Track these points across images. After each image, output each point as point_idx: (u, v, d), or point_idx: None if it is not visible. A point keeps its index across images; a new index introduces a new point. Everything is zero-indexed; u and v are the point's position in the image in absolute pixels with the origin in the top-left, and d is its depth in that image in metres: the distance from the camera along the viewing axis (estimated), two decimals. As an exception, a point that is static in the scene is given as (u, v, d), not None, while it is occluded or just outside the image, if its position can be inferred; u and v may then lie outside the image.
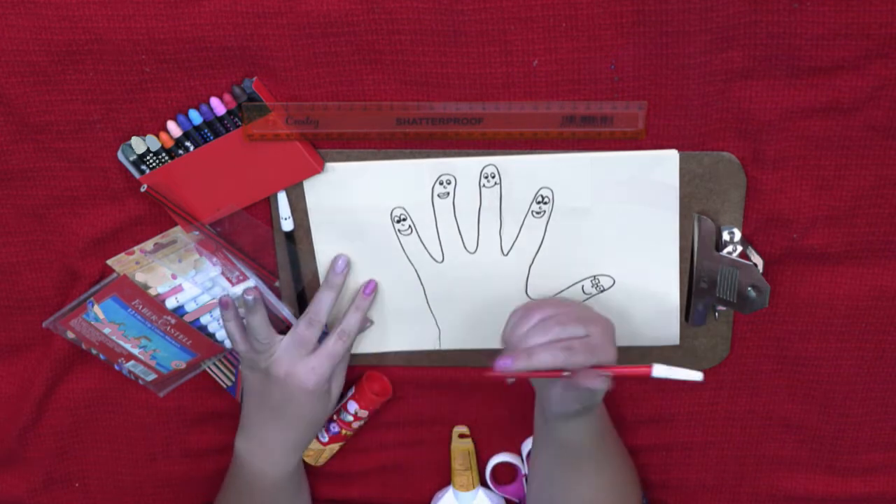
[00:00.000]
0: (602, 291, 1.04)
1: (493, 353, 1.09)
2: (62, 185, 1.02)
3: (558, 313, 0.92)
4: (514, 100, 0.95)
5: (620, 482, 1.05)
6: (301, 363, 1.02)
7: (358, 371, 1.12)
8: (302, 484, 1.12)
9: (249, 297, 1.00)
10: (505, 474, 1.19)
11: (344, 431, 1.13)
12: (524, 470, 1.15)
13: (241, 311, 1.03)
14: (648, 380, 1.09)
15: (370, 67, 0.95)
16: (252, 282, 1.04)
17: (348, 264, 1.04)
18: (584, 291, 1.04)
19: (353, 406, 1.11)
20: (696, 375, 0.88)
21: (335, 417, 1.12)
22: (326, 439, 1.14)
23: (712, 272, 1.01)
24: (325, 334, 1.05)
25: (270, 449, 1.06)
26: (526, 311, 0.94)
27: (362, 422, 1.13)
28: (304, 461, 1.15)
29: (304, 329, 1.02)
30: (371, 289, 1.04)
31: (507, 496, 1.18)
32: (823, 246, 1.00)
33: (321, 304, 1.03)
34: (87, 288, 1.06)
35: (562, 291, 1.05)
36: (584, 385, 0.89)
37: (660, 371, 0.89)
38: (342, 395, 1.12)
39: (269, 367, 1.02)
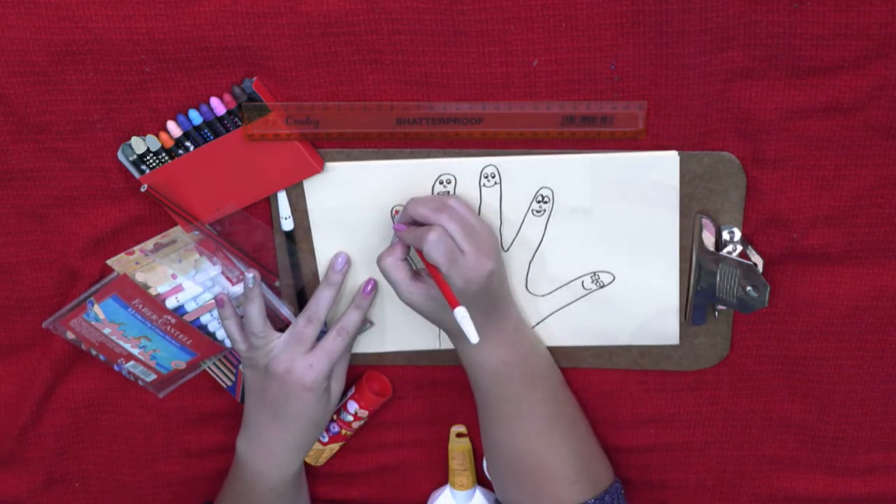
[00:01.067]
0: (602, 287, 1.04)
1: (493, 353, 1.10)
2: (62, 185, 1.02)
3: (462, 213, 0.96)
4: (514, 100, 0.95)
5: (557, 421, 1.04)
6: (299, 360, 1.02)
7: (358, 371, 1.12)
8: (302, 488, 1.12)
9: (250, 276, 1.00)
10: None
11: (344, 431, 1.13)
12: (524, 470, 1.15)
13: (239, 309, 1.03)
14: (645, 379, 1.10)
15: (370, 67, 0.95)
16: (240, 290, 1.04)
17: (348, 262, 1.04)
18: (584, 287, 1.04)
19: (353, 406, 1.11)
20: (473, 337, 0.93)
21: (335, 417, 1.12)
22: (326, 439, 1.14)
23: (712, 272, 1.01)
24: (325, 333, 1.05)
25: (271, 450, 1.05)
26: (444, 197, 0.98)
27: (362, 422, 1.13)
28: (306, 462, 1.15)
29: (302, 326, 1.02)
30: (371, 287, 1.04)
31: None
32: (823, 246, 1.00)
33: (320, 302, 1.03)
34: (87, 288, 1.06)
35: (562, 286, 1.05)
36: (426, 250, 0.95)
37: (459, 313, 0.93)
38: (342, 395, 1.12)
39: (269, 365, 1.02)
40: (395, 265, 0.99)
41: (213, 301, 1.05)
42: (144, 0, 0.92)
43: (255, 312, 1.01)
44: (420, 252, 0.96)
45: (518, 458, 1.04)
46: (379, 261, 0.99)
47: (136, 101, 0.97)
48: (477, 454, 1.16)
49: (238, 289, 1.04)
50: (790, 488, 1.13)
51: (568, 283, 1.05)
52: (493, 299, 0.98)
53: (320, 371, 1.02)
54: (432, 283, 0.98)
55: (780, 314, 1.04)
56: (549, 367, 1.06)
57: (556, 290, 1.05)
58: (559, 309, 1.06)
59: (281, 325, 1.06)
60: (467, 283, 0.95)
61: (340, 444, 1.15)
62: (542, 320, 1.07)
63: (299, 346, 1.02)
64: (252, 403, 1.06)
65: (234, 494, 1.09)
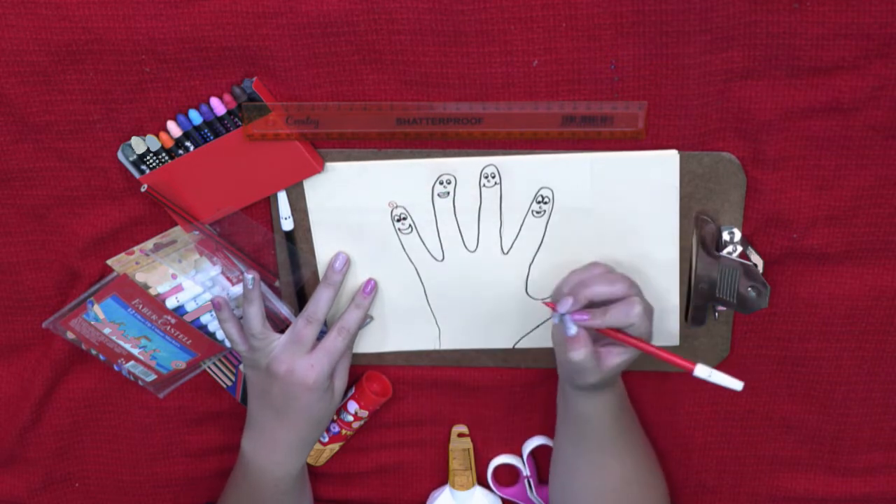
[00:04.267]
0: (602, 291, 1.04)
1: (493, 353, 1.10)
2: (62, 185, 1.02)
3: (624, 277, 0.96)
4: (514, 100, 0.95)
5: (643, 475, 1.05)
6: (300, 360, 1.02)
7: (358, 371, 1.12)
8: (305, 486, 1.12)
9: (249, 277, 1.00)
10: (506, 476, 1.19)
11: (344, 431, 1.13)
12: (525, 472, 1.15)
13: (238, 310, 1.03)
14: (645, 380, 1.10)
15: (370, 67, 0.95)
16: (240, 290, 1.04)
17: (347, 262, 1.03)
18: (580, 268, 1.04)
19: (353, 406, 1.11)
20: (736, 384, 0.91)
21: (335, 417, 1.12)
22: (327, 439, 1.14)
23: (712, 272, 1.01)
24: (325, 334, 1.05)
25: (275, 448, 1.05)
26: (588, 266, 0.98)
27: (362, 422, 1.13)
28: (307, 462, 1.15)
29: (302, 326, 1.02)
30: (371, 288, 1.04)
31: (509, 497, 1.18)
32: (823, 246, 1.00)
33: (319, 302, 1.03)
34: (87, 288, 1.06)
35: (562, 291, 1.05)
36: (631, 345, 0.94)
37: (701, 371, 0.92)
38: (343, 395, 1.12)
39: (270, 365, 1.02)
40: (588, 353, 0.95)
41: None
42: (144, 0, 0.92)
43: (254, 314, 1.01)
44: (610, 330, 0.94)
45: (625, 487, 1.04)
46: (572, 355, 0.94)
47: (136, 101, 0.97)
48: (477, 454, 1.16)
49: (238, 289, 1.04)
50: (790, 488, 1.13)
51: (568, 285, 1.05)
52: None
53: (322, 371, 1.02)
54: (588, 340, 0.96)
55: (780, 314, 1.04)
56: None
57: (556, 291, 1.05)
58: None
59: (281, 325, 1.06)
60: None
61: (340, 443, 1.15)
62: (541, 323, 1.07)
63: (300, 347, 1.02)
64: (255, 402, 1.06)
65: (238, 492, 1.09)
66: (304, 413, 1.03)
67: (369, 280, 1.05)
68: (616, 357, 0.96)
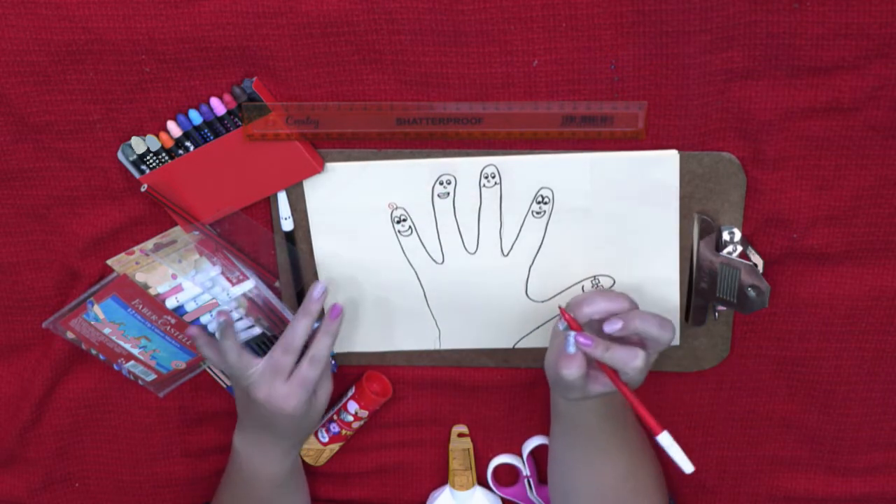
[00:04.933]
0: (602, 291, 1.04)
1: (492, 354, 1.10)
2: (62, 185, 1.02)
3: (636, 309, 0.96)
4: (514, 100, 0.95)
5: (639, 471, 1.05)
6: (277, 389, 1.01)
7: (358, 371, 1.12)
8: (300, 482, 1.12)
9: (221, 320, 1.00)
10: (506, 476, 1.19)
11: (344, 431, 1.13)
12: (525, 471, 1.15)
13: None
14: (645, 381, 1.10)
15: (370, 67, 0.95)
16: (251, 283, 1.04)
17: (325, 291, 1.02)
18: (584, 292, 1.04)
19: (353, 406, 1.11)
20: (687, 466, 0.92)
21: (335, 417, 1.12)
22: (327, 439, 1.14)
23: (712, 272, 1.01)
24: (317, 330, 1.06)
25: (266, 449, 1.05)
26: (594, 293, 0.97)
27: (362, 422, 1.13)
28: (304, 461, 1.15)
29: (279, 355, 1.01)
30: (337, 313, 1.02)
31: (509, 497, 1.18)
32: (823, 246, 1.00)
33: (297, 331, 1.01)
34: (87, 288, 1.06)
35: (562, 292, 1.05)
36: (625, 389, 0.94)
37: (664, 440, 0.93)
38: (343, 395, 1.12)
39: (249, 390, 1.02)
40: (580, 375, 0.95)
41: (213, 301, 1.05)
42: (144, 0, 0.92)
43: (227, 348, 1.00)
44: (608, 367, 0.94)
45: (621, 485, 1.05)
46: (565, 372, 0.94)
47: (136, 101, 0.97)
48: (477, 454, 1.16)
49: (238, 290, 1.04)
50: (790, 488, 1.13)
51: (568, 288, 1.05)
52: None
53: (299, 400, 1.01)
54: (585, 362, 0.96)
55: (780, 314, 1.04)
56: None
57: (556, 295, 1.05)
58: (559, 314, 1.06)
59: (282, 325, 1.06)
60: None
61: (340, 444, 1.15)
62: (541, 325, 1.07)
63: (277, 375, 1.01)
64: (242, 411, 1.05)
65: (233, 488, 1.09)
66: (288, 429, 1.03)
67: (335, 305, 1.03)
68: (601, 386, 0.96)
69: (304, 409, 1.02)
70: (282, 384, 1.01)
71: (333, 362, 1.06)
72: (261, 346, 1.07)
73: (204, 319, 1.07)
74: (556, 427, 1.05)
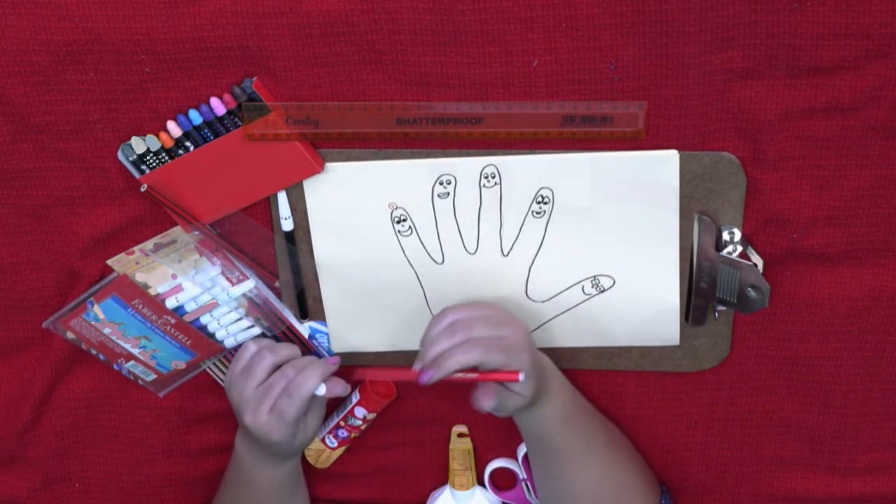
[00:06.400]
0: (602, 292, 1.04)
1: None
2: (62, 185, 1.02)
3: (469, 317, 0.96)
4: (514, 100, 0.95)
5: (617, 475, 1.06)
6: (260, 417, 1.00)
7: (359, 372, 1.12)
8: (300, 484, 1.12)
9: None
10: (504, 480, 1.18)
11: (352, 435, 1.13)
12: (522, 475, 1.15)
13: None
14: (645, 381, 1.10)
15: (370, 67, 0.95)
16: (251, 283, 1.04)
17: (338, 363, 1.02)
18: (584, 292, 1.04)
19: (360, 412, 1.11)
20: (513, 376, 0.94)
21: (343, 423, 1.12)
22: (335, 444, 1.14)
23: (712, 272, 1.01)
24: (317, 354, 1.05)
25: (265, 454, 1.05)
26: (441, 315, 0.97)
27: (369, 424, 1.13)
28: (307, 461, 1.15)
29: (274, 379, 1.00)
30: (335, 361, 1.02)
31: (508, 502, 1.18)
32: (823, 246, 1.00)
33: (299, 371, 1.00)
34: (87, 288, 1.06)
35: (562, 292, 1.05)
36: (479, 405, 0.96)
37: (521, 377, 0.94)
38: (348, 399, 1.12)
39: (238, 411, 1.02)
40: (495, 402, 0.96)
41: (212, 301, 1.05)
42: (144, 0, 0.92)
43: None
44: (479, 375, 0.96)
45: (597, 489, 1.05)
46: (481, 405, 0.96)
47: (136, 101, 0.97)
48: (478, 455, 1.16)
49: (238, 290, 1.04)
50: (790, 488, 1.13)
51: (568, 288, 1.05)
52: (535, 359, 0.99)
53: (281, 431, 1.00)
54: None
55: (780, 314, 1.04)
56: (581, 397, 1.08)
57: (555, 295, 1.05)
58: (559, 314, 1.06)
59: (282, 326, 1.06)
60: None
61: (347, 446, 1.15)
62: (541, 325, 1.07)
63: (263, 401, 1.00)
64: (240, 421, 1.04)
65: (233, 489, 1.09)
66: (282, 448, 1.03)
67: (336, 356, 1.04)
68: (511, 401, 0.97)
69: (289, 437, 1.01)
70: (265, 412, 0.99)
71: (337, 357, 1.05)
72: (261, 346, 1.07)
73: (204, 320, 1.07)
74: (526, 443, 1.07)
